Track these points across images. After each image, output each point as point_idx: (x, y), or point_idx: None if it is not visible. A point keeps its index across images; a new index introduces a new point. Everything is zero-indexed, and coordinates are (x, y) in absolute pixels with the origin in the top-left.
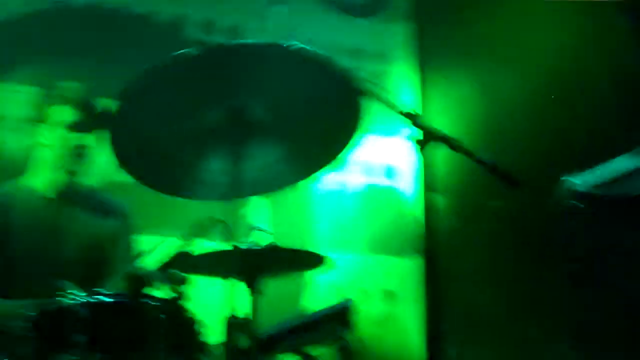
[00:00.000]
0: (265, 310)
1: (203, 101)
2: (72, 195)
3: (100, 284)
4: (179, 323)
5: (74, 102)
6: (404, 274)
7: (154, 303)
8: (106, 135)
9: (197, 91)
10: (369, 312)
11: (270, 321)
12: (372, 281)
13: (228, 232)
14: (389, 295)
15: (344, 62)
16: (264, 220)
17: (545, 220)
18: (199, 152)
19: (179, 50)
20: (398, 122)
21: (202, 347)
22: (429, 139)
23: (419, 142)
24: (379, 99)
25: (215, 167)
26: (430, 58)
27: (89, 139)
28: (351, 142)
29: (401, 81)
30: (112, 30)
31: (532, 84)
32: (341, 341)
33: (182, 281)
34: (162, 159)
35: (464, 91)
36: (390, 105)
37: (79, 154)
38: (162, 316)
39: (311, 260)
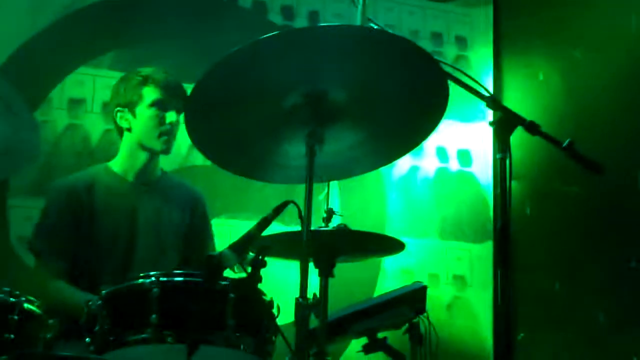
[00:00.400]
0: (336, 293)
1: (282, 85)
2: (151, 179)
3: (173, 267)
4: (250, 303)
5: (160, 85)
6: (474, 259)
7: (225, 283)
8: (185, 119)
9: (277, 75)
10: (439, 297)
11: (340, 303)
12: (442, 266)
13: (302, 215)
14: (460, 280)
15: (424, 46)
16: (337, 204)
17: (621, 208)
18: (276, 136)
19: (261, 35)
20: (475, 107)
21: (273, 327)
22: (506, 123)
23: (496, 126)
24: (459, 83)
25: (292, 151)
26: (509, 42)
27: (173, 120)
28: (431, 127)
29: (480, 65)
30: (196, 15)
31: (616, 68)
32: (411, 324)
33: (255, 263)
34: (239, 142)
35: (543, 76)
36: (470, 90)
37: (163, 137)
38: (232, 295)
39: (386, 244)
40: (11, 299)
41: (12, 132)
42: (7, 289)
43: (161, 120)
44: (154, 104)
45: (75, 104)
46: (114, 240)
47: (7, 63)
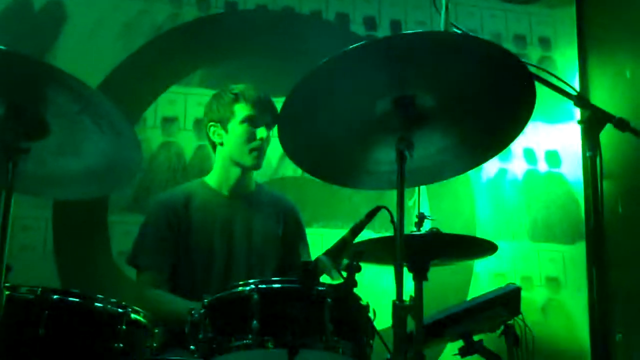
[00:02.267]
0: (430, 297)
1: (371, 93)
2: (245, 193)
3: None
4: (347, 307)
5: (251, 102)
6: (567, 260)
7: (322, 288)
8: (279, 132)
9: (365, 84)
10: (532, 299)
11: (435, 307)
12: (535, 268)
13: (394, 220)
14: (553, 282)
15: (509, 49)
16: (426, 208)
17: None
18: (366, 143)
19: (345, 46)
20: (561, 107)
21: (370, 330)
22: (595, 122)
23: (585, 124)
24: (545, 83)
25: (382, 157)
26: (594, 41)
27: (264, 136)
28: (518, 130)
29: (565, 66)
30: (280, 30)
31: None
32: (507, 326)
33: (350, 268)
34: (330, 151)
35: (630, 74)
36: (557, 90)
37: (254, 152)
38: (329, 300)
39: (478, 246)
40: (119, 309)
41: (116, 150)
42: (114, 300)
43: (252, 136)
44: (245, 120)
45: (169, 122)
46: (212, 251)
47: (102, 85)
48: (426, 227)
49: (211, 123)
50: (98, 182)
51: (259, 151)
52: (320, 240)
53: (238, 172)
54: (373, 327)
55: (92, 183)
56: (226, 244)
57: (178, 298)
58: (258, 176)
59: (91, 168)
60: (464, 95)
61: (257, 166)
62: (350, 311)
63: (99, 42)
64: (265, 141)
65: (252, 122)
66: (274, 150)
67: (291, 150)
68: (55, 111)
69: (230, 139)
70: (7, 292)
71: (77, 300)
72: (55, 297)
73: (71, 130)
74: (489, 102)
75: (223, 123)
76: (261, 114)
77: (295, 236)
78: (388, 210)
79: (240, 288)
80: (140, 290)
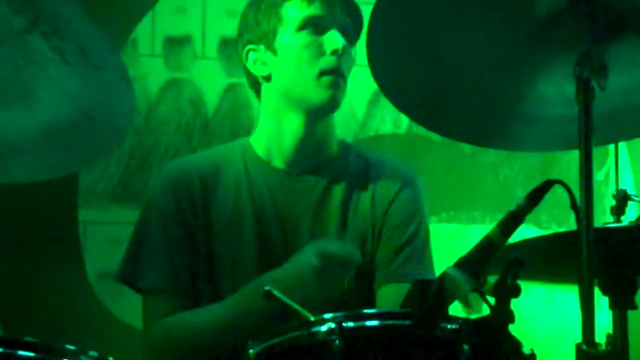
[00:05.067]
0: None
1: None
2: (316, 162)
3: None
4: (496, 358)
5: None
6: None
7: (454, 327)
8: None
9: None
10: None
11: None
12: None
13: (576, 204)
14: None
15: None
16: (629, 183)
17: None
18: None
19: None
20: None
21: None
22: None
23: None
24: None
25: (547, 92)
26: None
27: (339, 47)
28: None
29: None
30: None
31: None
32: None
33: (502, 290)
34: (454, 86)
35: None
36: None
37: (325, 77)
38: (465, 347)
39: None
40: None
41: (91, 95)
42: (94, 353)
43: (319, 49)
44: (304, 25)
45: (176, 45)
46: (251, 268)
47: None
48: (631, 214)
49: (250, 46)
50: (61, 152)
51: (335, 73)
52: (444, 243)
53: (299, 122)
54: None
55: (52, 153)
56: (278, 250)
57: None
58: (346, 133)
59: (49, 128)
60: None
61: (333, 102)
62: None
63: None
64: (344, 57)
65: (315, 25)
66: (361, 89)
67: (391, 85)
68: None
69: (284, 63)
70: None
71: (34, 355)
72: None
73: (14, 65)
74: None
75: (268, 41)
76: (330, 10)
77: (408, 237)
78: (565, 186)
79: (313, 328)
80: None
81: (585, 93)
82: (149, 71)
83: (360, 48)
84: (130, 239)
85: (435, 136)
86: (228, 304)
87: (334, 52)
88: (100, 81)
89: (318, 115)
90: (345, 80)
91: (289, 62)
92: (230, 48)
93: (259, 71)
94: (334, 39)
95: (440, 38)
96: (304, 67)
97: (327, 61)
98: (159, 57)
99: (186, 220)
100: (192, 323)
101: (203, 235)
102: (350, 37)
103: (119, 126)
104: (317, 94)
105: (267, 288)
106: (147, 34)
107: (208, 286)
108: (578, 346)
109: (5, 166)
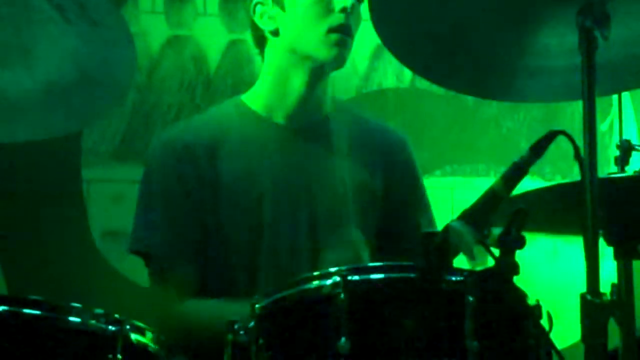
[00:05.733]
0: None
1: None
2: (314, 119)
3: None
4: (501, 311)
5: None
6: None
7: (459, 278)
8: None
9: None
10: None
11: None
12: None
13: (579, 155)
14: None
15: None
16: (633, 133)
17: None
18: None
19: None
20: None
21: (544, 348)
22: None
23: None
24: None
25: (551, 42)
26: None
27: (348, 4)
28: None
29: None
30: None
31: None
32: None
33: (506, 241)
34: (458, 35)
35: None
36: None
37: (333, 34)
38: (470, 299)
39: None
40: (109, 327)
41: (91, 52)
42: (100, 310)
43: (328, 6)
44: None
45: (177, 2)
46: (259, 223)
47: None
48: (635, 164)
49: (257, 0)
50: (62, 110)
51: (343, 32)
52: (448, 196)
53: (303, 79)
54: (549, 343)
55: (53, 112)
56: (283, 209)
57: (222, 302)
58: (335, 90)
59: (50, 86)
60: None
61: (340, 60)
62: (506, 317)
63: None
64: (353, 14)
65: None
66: (363, 43)
67: (392, 37)
68: None
69: (291, 17)
70: None
71: (40, 313)
72: (0, 308)
73: (15, 23)
74: None
75: None
76: None
77: (405, 191)
78: (569, 136)
79: (316, 282)
80: (157, 295)
81: (587, 43)
82: (150, 28)
83: (363, 3)
84: (136, 212)
85: (438, 90)
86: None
87: (343, 10)
88: (100, 38)
89: (323, 71)
90: (352, 38)
91: (297, 18)
92: (231, 5)
93: (266, 25)
94: None
95: None
96: (312, 23)
97: (336, 18)
98: (160, 14)
99: (191, 188)
100: (213, 313)
101: (208, 202)
102: None
103: (120, 83)
104: (324, 50)
105: None
106: None
107: (215, 263)
108: (583, 296)
109: (7, 125)
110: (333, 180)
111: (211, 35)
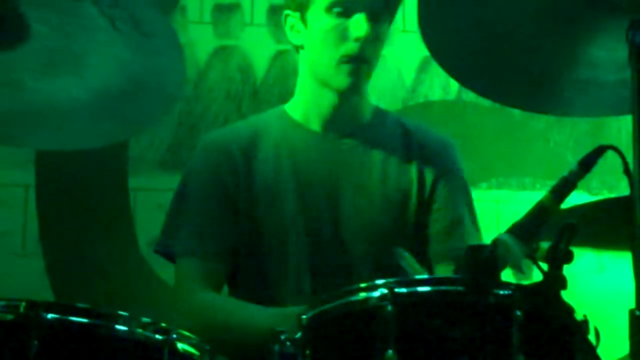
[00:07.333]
0: None
1: None
2: (351, 127)
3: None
4: (549, 325)
5: None
6: None
7: (506, 292)
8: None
9: None
10: None
11: None
12: None
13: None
14: None
15: None
16: None
17: None
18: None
19: None
20: None
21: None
22: None
23: None
24: None
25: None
26: None
27: (362, 35)
28: None
29: None
30: None
31: None
32: None
33: (555, 256)
34: (506, 51)
35: None
36: None
37: (345, 65)
38: (518, 313)
39: None
40: (156, 335)
41: (142, 62)
42: (147, 319)
43: (343, 34)
44: (333, 5)
45: (225, 12)
46: (292, 224)
47: None
48: None
49: (287, 11)
50: (111, 119)
51: (356, 61)
52: (494, 208)
53: (333, 93)
54: (596, 359)
55: (102, 120)
56: (311, 213)
57: (250, 304)
58: (381, 101)
59: (100, 95)
60: None
61: (352, 88)
62: (554, 332)
63: None
64: (369, 42)
65: (342, 8)
66: (410, 55)
67: (441, 48)
68: None
69: (312, 39)
70: None
71: (86, 321)
72: (49, 316)
73: (65, 32)
74: None
75: (302, 11)
76: None
77: (451, 202)
78: (618, 151)
79: (363, 294)
80: (179, 290)
81: (638, 57)
82: (198, 38)
83: (410, 14)
84: (167, 213)
85: (485, 102)
86: (266, 314)
87: (357, 39)
88: (150, 48)
89: (341, 94)
90: (369, 65)
91: (316, 40)
92: (278, 15)
93: (293, 38)
94: (358, 25)
95: (492, 1)
96: (327, 50)
97: (349, 47)
98: (208, 24)
99: (228, 192)
100: (225, 306)
101: (246, 203)
102: (382, 16)
103: (169, 93)
104: (337, 79)
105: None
106: (196, 0)
107: (251, 270)
108: (632, 312)
109: (57, 133)
110: (366, 186)
111: (258, 45)
